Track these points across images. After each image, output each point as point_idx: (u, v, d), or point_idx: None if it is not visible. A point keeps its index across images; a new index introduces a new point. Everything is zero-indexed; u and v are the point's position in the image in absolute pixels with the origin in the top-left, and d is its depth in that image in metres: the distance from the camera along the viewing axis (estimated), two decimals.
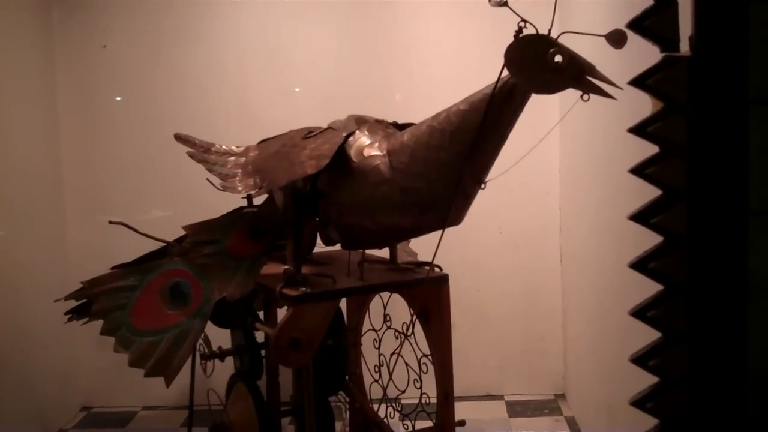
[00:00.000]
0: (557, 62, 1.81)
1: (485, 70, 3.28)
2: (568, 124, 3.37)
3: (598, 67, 1.82)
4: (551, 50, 1.81)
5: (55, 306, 2.94)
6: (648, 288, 1.47)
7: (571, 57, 1.81)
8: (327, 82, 3.71)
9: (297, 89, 3.67)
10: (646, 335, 1.48)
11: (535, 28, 1.84)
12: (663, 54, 1.43)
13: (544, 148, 3.29)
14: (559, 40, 1.85)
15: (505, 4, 1.81)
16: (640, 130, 1.44)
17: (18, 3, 3.27)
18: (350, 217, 2.31)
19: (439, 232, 2.25)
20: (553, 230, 3.82)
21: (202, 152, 2.49)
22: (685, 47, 1.42)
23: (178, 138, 2.52)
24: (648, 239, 1.47)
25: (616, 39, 1.71)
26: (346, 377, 2.99)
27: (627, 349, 1.55)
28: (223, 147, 2.56)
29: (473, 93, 2.08)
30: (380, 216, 2.25)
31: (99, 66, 3.70)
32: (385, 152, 2.24)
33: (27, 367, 3.14)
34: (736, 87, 1.39)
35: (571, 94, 1.86)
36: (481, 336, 3.82)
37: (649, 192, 1.45)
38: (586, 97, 1.83)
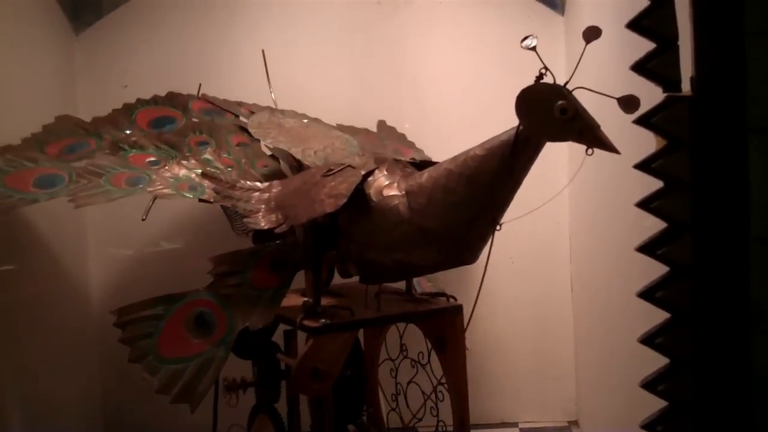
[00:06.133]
0: (564, 115, 1.87)
1: (494, 104, 3.39)
2: (577, 157, 3.45)
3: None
4: (559, 102, 1.87)
5: (78, 338, 3.01)
6: (656, 315, 1.54)
7: (578, 112, 1.87)
8: (341, 114, 3.78)
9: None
10: (656, 361, 1.54)
11: (553, 77, 1.89)
12: (665, 94, 1.50)
13: (553, 180, 3.38)
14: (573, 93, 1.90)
15: (534, 48, 1.88)
16: (645, 165, 1.52)
17: (43, 45, 3.35)
18: (369, 254, 2.39)
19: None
20: (564, 259, 3.88)
21: (227, 188, 2.56)
22: (686, 87, 1.50)
23: (205, 175, 2.60)
24: (655, 268, 1.54)
25: (628, 104, 1.77)
26: (364, 409, 3.05)
27: (637, 375, 1.61)
28: (248, 183, 2.64)
29: (490, 138, 2.14)
30: (398, 254, 2.32)
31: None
32: (403, 192, 2.30)
33: (49, 399, 3.17)
34: (736, 123, 1.46)
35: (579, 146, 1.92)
36: (494, 364, 3.86)
37: (653, 223, 1.52)
38: (590, 151, 1.88)
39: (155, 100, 3.17)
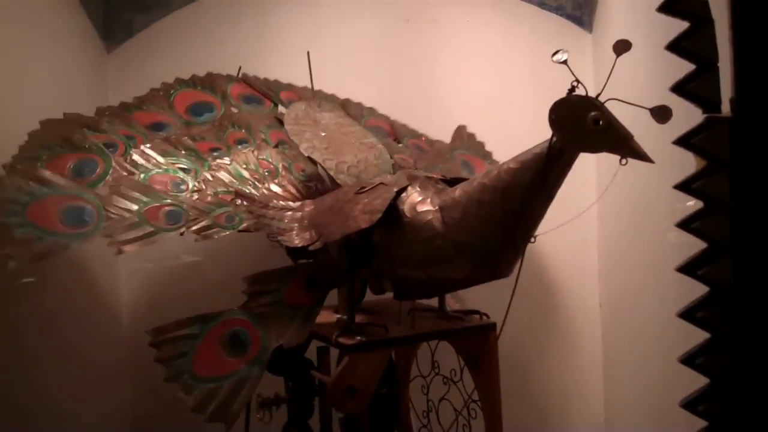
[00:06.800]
0: (597, 125, 1.89)
1: (524, 121, 3.40)
2: (606, 173, 3.45)
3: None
4: (592, 113, 1.89)
5: (108, 357, 3.00)
6: (687, 333, 1.54)
7: (611, 123, 1.89)
8: None
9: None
10: (688, 379, 1.55)
11: (585, 90, 1.91)
12: (705, 115, 1.51)
13: (580, 197, 3.39)
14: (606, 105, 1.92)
15: (565, 62, 1.90)
16: (685, 186, 1.53)
17: (75, 63, 3.38)
18: (404, 269, 2.40)
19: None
20: (592, 276, 3.87)
21: (260, 207, 2.59)
22: (726, 108, 1.51)
23: (239, 195, 2.63)
24: (687, 286, 1.54)
25: (661, 114, 1.79)
26: (395, 427, 3.06)
27: (669, 392, 1.62)
28: (280, 203, 2.66)
29: (523, 152, 2.15)
30: (433, 269, 2.33)
31: None
32: (437, 207, 2.32)
33: (78, 416, 3.17)
34: None
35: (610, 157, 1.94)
36: (521, 380, 3.86)
37: (674, 236, 1.53)
38: (624, 161, 1.90)
39: (194, 81, 3.20)
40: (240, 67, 3.36)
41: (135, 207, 2.49)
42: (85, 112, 3.31)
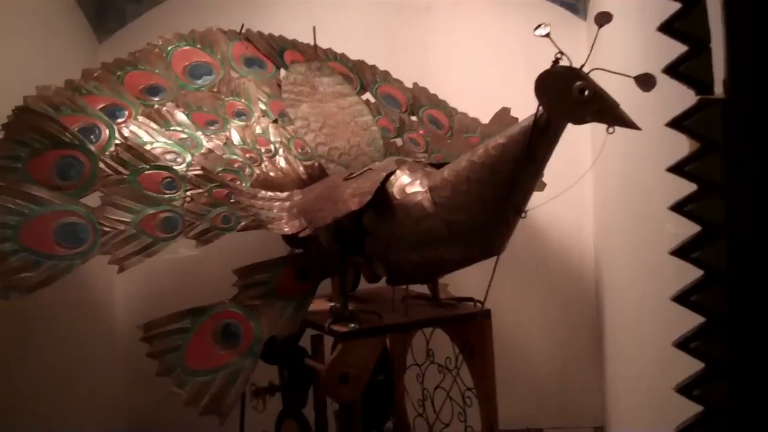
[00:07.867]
0: (583, 95, 1.89)
1: (517, 109, 3.37)
2: (602, 160, 3.44)
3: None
4: (577, 83, 1.89)
5: (102, 352, 2.96)
6: (685, 320, 1.53)
7: (596, 92, 1.89)
8: None
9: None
10: (686, 365, 1.53)
11: (569, 60, 1.91)
12: (698, 97, 1.49)
13: (574, 175, 3.38)
14: (590, 76, 1.92)
15: (548, 35, 1.90)
16: (678, 169, 1.51)
17: (66, 53, 3.35)
18: (396, 252, 2.39)
19: (480, 265, 2.36)
20: (588, 265, 3.86)
21: (249, 198, 2.57)
22: (719, 90, 1.49)
23: (226, 186, 2.61)
24: (683, 271, 1.53)
25: (645, 82, 1.78)
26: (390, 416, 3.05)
27: (666, 379, 1.60)
28: (269, 194, 2.64)
29: (510, 127, 2.16)
30: (425, 250, 2.33)
31: None
32: (426, 188, 2.32)
33: (73, 409, 3.16)
34: None
35: (603, 130, 1.93)
36: (520, 369, 3.85)
37: (673, 226, 1.51)
38: (611, 130, 1.90)
39: (193, 38, 3.09)
40: (243, 24, 3.28)
41: (129, 217, 2.44)
42: None
